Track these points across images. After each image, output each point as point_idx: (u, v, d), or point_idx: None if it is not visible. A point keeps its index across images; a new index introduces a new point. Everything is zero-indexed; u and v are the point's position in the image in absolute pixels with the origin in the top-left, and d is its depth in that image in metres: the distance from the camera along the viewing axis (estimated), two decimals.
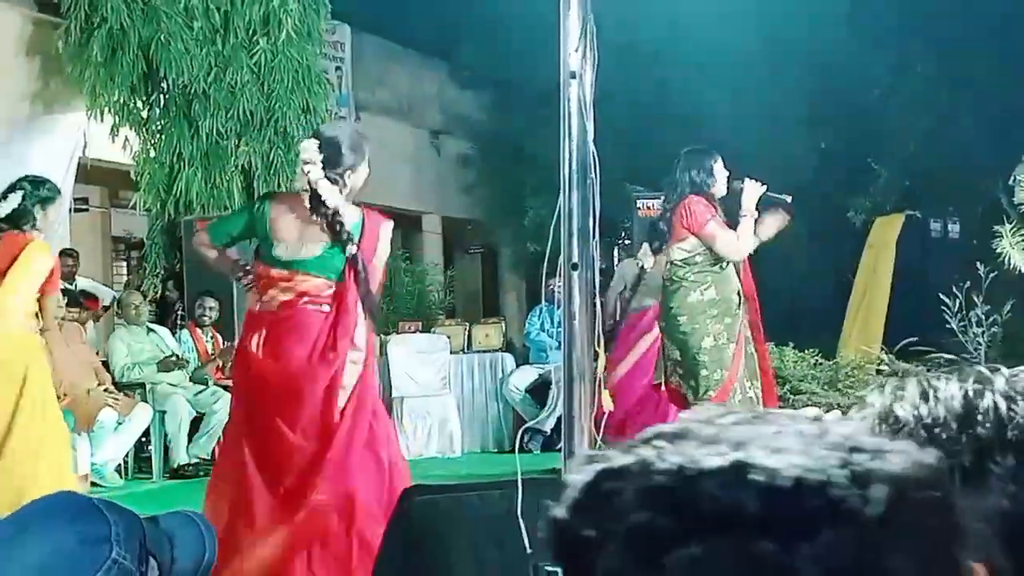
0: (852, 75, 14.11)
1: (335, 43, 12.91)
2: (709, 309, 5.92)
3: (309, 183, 4.58)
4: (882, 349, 9.75)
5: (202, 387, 9.19)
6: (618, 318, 8.80)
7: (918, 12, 12.79)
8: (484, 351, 11.03)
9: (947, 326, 9.32)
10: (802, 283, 13.04)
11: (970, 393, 1.00)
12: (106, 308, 10.72)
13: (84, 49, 10.04)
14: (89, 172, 10.57)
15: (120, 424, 8.53)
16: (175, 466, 8.94)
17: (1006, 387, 1.00)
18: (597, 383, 3.86)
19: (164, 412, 8.95)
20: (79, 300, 9.33)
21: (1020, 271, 9.38)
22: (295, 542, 4.41)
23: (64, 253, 9.73)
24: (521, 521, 3.33)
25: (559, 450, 4.12)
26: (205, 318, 9.63)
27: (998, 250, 9.52)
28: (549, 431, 9.60)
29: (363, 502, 4.46)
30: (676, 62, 13.72)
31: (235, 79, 10.45)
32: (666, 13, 11.84)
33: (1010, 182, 10.32)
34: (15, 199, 5.63)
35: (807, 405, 7.82)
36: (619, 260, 12.08)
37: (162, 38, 10.08)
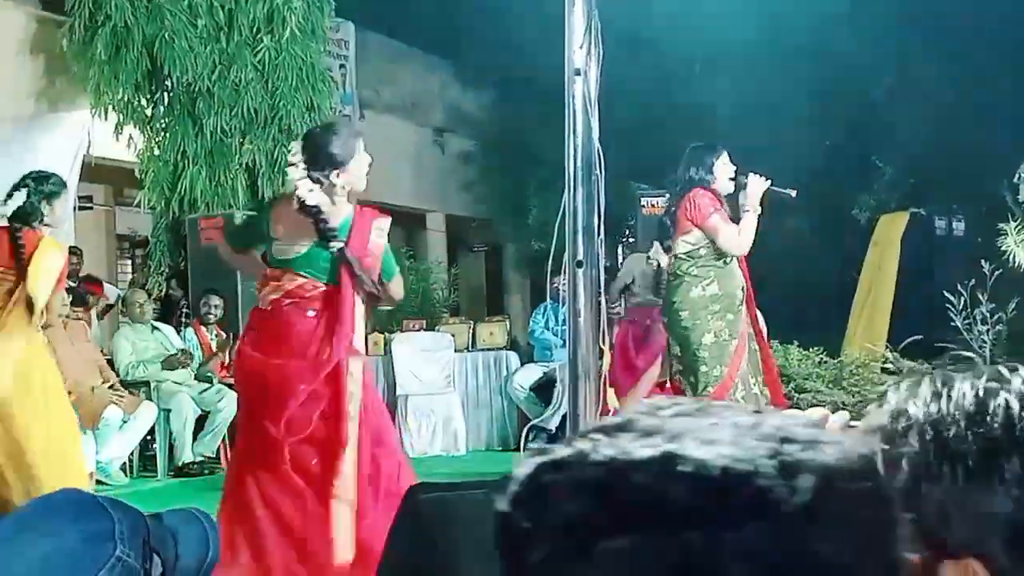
0: (857, 72, 14.09)
1: (339, 41, 12.90)
2: (711, 304, 5.91)
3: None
4: (887, 347, 9.72)
5: (207, 385, 9.20)
6: (624, 315, 8.79)
7: (923, 9, 12.77)
8: (488, 349, 11.02)
9: (952, 324, 9.30)
10: (807, 281, 13.01)
11: (982, 392, 0.99)
12: (110, 306, 10.73)
13: (88, 47, 10.05)
14: (93, 170, 10.57)
15: (125, 422, 8.54)
16: (180, 464, 8.94)
17: (1023, 387, 0.99)
18: (602, 381, 3.86)
19: (169, 410, 8.96)
20: (84, 299, 9.33)
21: None
22: None
23: (69, 251, 9.74)
24: None
25: None
26: (210, 316, 9.62)
27: (1003, 248, 9.50)
28: (554, 429, 9.60)
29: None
30: (681, 59, 13.72)
31: (239, 77, 10.46)
32: (670, 10, 11.82)
33: (1015, 180, 10.29)
34: (20, 196, 5.64)
35: (812, 404, 7.83)
36: (623, 258, 12.06)
37: (166, 36, 10.09)
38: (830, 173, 13.87)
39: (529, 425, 9.50)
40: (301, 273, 4.55)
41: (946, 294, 9.31)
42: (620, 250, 13.90)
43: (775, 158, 9.46)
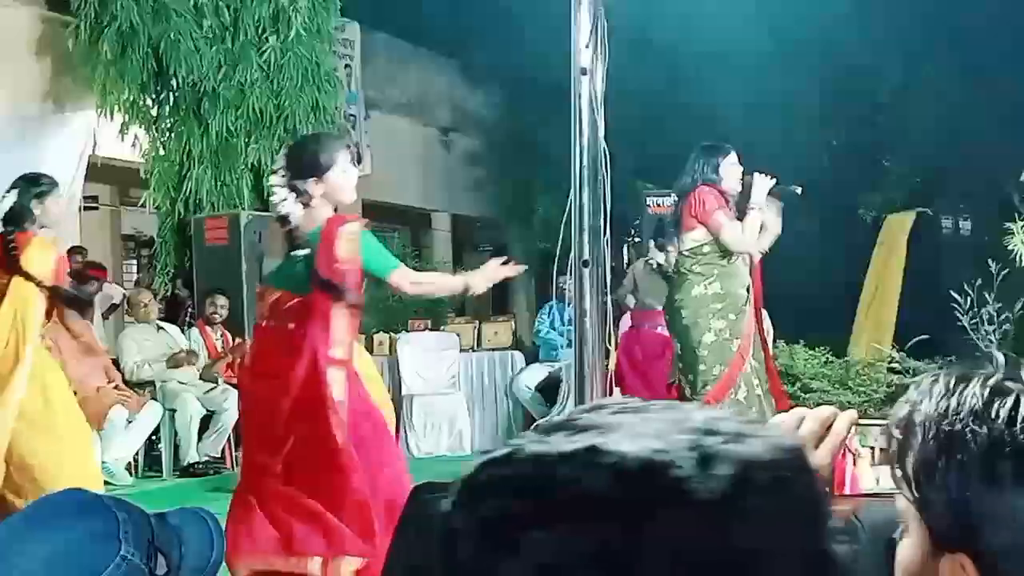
0: (864, 72, 14.07)
1: (345, 41, 12.90)
2: (712, 303, 5.89)
3: None
4: (893, 347, 9.70)
5: (212, 385, 9.20)
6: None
7: (930, 9, 12.75)
8: (494, 349, 11.03)
9: (958, 323, 9.28)
10: (813, 280, 12.98)
11: (989, 391, 0.99)
12: (115, 306, 10.74)
13: (94, 47, 10.07)
14: (99, 170, 10.59)
15: (130, 422, 8.55)
16: (185, 464, 8.95)
17: None
18: (608, 380, 3.85)
19: (174, 410, 8.96)
20: (91, 299, 9.33)
21: None
22: None
23: (73, 251, 9.75)
24: None
25: None
26: (215, 316, 9.62)
27: (1010, 247, 9.47)
28: None
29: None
30: (687, 58, 13.69)
31: (245, 77, 10.47)
32: (677, 8, 11.80)
33: (1021, 179, 10.28)
34: (10, 199, 5.62)
35: (818, 403, 7.80)
36: (628, 258, 12.06)
37: (172, 36, 10.10)
38: (837, 172, 13.85)
39: (534, 425, 9.48)
40: (279, 287, 4.47)
41: (953, 294, 9.29)
42: (626, 250, 13.89)
43: (782, 157, 9.44)
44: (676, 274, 6.08)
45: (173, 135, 10.54)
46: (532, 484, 0.73)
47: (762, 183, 5.96)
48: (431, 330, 11.09)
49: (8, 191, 5.67)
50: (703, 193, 5.90)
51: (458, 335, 10.88)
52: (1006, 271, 9.18)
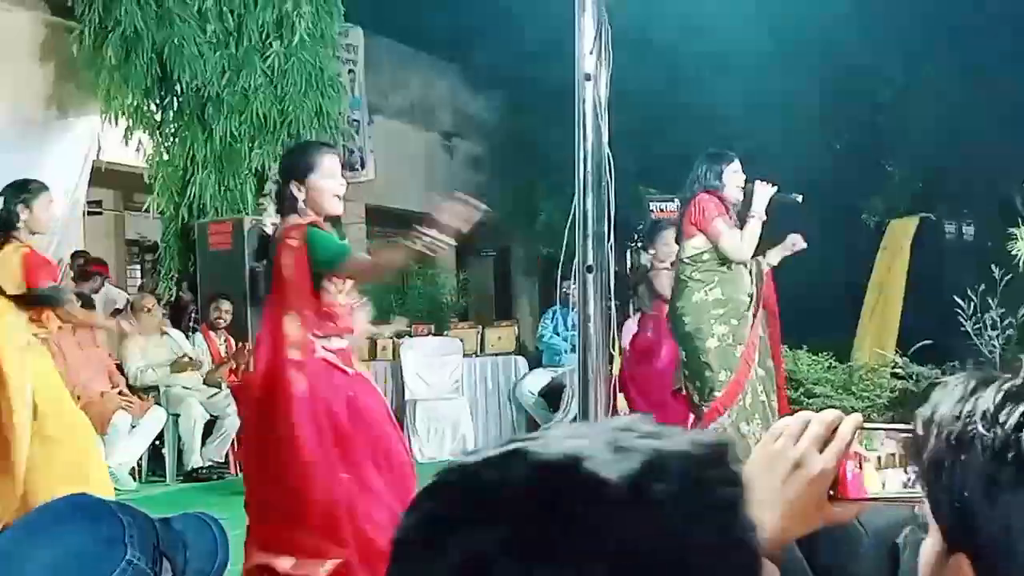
0: (866, 76, 14.06)
1: (348, 46, 12.92)
2: (713, 309, 5.89)
3: None
4: (896, 352, 9.70)
5: (216, 390, 9.21)
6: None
7: (930, 9, 12.74)
8: (497, 354, 11.02)
9: (962, 329, 9.28)
10: (816, 285, 12.96)
11: (1001, 396, 0.99)
12: (119, 311, 10.74)
13: (98, 53, 10.08)
14: (103, 175, 10.60)
15: (134, 427, 8.55)
16: (189, 469, 8.94)
17: None
18: (612, 386, 3.85)
19: (178, 415, 8.96)
20: (91, 300, 9.33)
21: None
22: None
23: (76, 255, 9.76)
24: None
25: None
26: (219, 321, 9.62)
27: (1013, 252, 9.47)
28: None
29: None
30: (687, 58, 13.68)
31: (248, 82, 10.48)
32: (677, 9, 11.81)
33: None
34: None
35: (821, 408, 7.80)
36: (631, 263, 12.05)
37: (176, 41, 10.12)
38: (839, 177, 13.83)
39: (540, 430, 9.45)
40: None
41: (956, 299, 9.29)
42: (629, 254, 13.88)
43: (784, 161, 9.45)
44: (678, 281, 6.08)
45: (177, 140, 10.55)
46: (459, 490, 0.78)
47: (763, 191, 5.96)
48: (434, 335, 11.09)
49: None
50: (703, 200, 5.90)
51: (461, 340, 10.88)
52: (1009, 276, 9.18)
